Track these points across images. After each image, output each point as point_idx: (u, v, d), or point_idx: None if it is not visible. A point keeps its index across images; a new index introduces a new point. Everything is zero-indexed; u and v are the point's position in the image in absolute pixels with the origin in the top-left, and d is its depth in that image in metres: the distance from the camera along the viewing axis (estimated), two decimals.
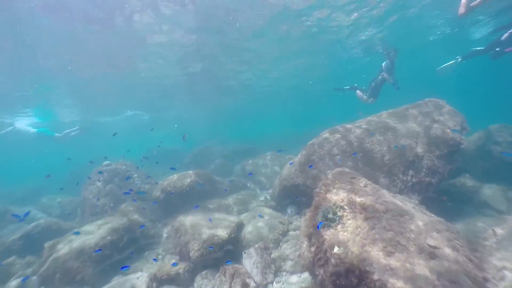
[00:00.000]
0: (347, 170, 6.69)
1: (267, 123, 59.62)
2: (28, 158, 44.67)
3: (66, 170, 20.44)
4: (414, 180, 8.06)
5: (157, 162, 10.83)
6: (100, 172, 10.78)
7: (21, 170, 34.69)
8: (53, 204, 13.65)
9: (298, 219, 9.17)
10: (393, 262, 4.06)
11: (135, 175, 11.39)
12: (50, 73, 15.16)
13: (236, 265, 5.73)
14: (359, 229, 4.57)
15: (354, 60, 21.35)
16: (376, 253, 4.16)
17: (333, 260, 4.21)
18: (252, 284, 5.33)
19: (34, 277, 7.85)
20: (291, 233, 8.22)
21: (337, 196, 5.32)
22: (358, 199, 5.15)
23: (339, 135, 9.56)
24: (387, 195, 5.64)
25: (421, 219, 4.79)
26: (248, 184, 13.10)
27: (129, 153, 12.58)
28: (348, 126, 9.87)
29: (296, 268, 6.53)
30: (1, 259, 8.63)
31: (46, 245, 8.54)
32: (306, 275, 6.26)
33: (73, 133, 18.04)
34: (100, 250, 7.47)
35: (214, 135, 27.80)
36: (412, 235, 4.47)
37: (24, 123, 20.41)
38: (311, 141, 10.11)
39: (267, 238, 7.65)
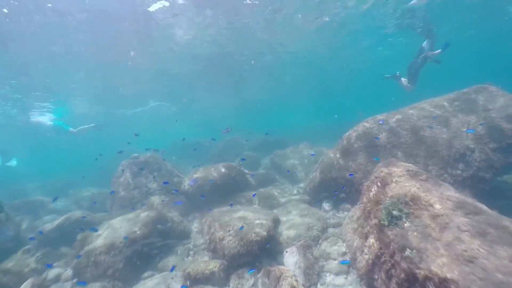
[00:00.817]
0: (401, 162, 5.96)
1: (293, 116, 58.50)
2: (61, 153, 46.72)
3: (96, 163, 20.91)
4: (465, 174, 7.17)
5: (178, 158, 10.49)
6: (132, 164, 10.55)
7: (55, 163, 36.12)
8: (84, 196, 13.78)
9: (336, 214, 8.50)
10: (479, 270, 3.33)
11: (164, 168, 11.11)
12: (72, 62, 15.33)
13: (282, 267, 5.17)
14: (429, 229, 3.86)
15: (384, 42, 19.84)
16: (455, 258, 3.44)
17: (404, 265, 3.54)
18: None
19: (68, 269, 7.79)
20: (330, 230, 7.60)
21: (399, 190, 4.64)
22: (422, 194, 4.43)
23: (380, 125, 8.75)
24: (451, 190, 4.87)
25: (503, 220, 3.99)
26: (278, 178, 12.51)
27: (154, 146, 12.42)
28: (390, 115, 9.02)
29: (341, 269, 5.90)
30: (38, 250, 8.66)
31: (78, 237, 8.47)
32: (353, 277, 5.64)
33: (87, 129, 18.10)
34: (130, 244, 7.20)
35: (241, 128, 27.33)
36: (497, 235, 3.70)
37: (41, 118, 20.83)
38: (348, 132, 9.37)
39: (305, 235, 7.06)
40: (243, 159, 11.96)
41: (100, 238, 7.53)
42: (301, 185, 11.78)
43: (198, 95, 30.13)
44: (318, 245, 6.93)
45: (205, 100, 33.19)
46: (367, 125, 8.99)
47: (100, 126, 17.98)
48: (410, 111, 8.65)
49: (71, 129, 18.18)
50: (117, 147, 11.68)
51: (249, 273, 5.70)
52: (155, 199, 9.34)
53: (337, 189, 8.72)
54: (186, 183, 9.85)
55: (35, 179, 19.79)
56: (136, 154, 11.36)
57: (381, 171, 5.42)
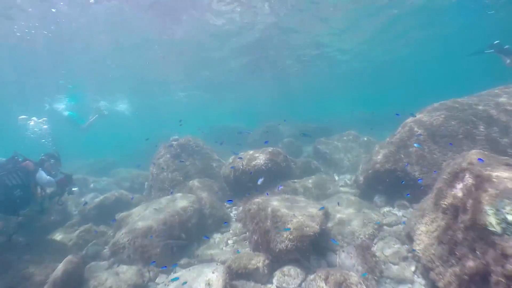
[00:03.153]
0: (489, 153, 4.80)
1: (339, 105, 56.23)
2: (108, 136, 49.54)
3: (138, 146, 21.42)
4: None
5: (221, 143, 9.94)
6: (170, 146, 10.23)
7: (100, 144, 38.23)
8: (125, 177, 13.94)
9: (392, 211, 7.41)
10: None
11: (203, 151, 10.67)
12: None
13: (346, 272, 4.34)
14: None
15: None
16: None
17: None
18: None
19: (106, 248, 7.68)
20: (386, 228, 6.58)
21: (506, 188, 3.51)
22: None
23: (449, 112, 7.42)
24: None
25: None
26: (321, 167, 11.51)
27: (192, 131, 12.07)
28: (464, 101, 7.61)
29: (405, 276, 4.93)
30: (80, 225, 8.71)
31: (117, 217, 8.35)
32: (419, 287, 4.64)
33: (93, 121, 17.82)
34: (168, 229, 6.81)
35: (281, 114, 26.46)
36: None
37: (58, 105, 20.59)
38: (407, 120, 8.16)
39: (360, 233, 6.13)
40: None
41: (137, 220, 7.24)
42: (348, 176, 10.73)
43: (240, 84, 29.79)
44: (374, 245, 5.99)
45: (247, 88, 32.81)
46: (435, 113, 7.72)
47: (103, 115, 17.57)
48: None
49: (82, 125, 17.89)
50: (159, 131, 11.56)
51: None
52: (194, 183, 8.91)
53: (394, 183, 7.60)
54: (227, 168, 9.28)
55: (81, 158, 20.67)
56: (176, 136, 11.05)
57: (470, 162, 4.34)
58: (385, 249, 5.73)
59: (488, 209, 3.49)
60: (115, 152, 22.91)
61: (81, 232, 8.15)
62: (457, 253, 3.80)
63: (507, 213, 3.26)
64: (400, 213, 7.25)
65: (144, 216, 7.36)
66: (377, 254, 5.54)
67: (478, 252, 3.44)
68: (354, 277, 4.10)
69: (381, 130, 14.09)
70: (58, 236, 8.17)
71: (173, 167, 10.00)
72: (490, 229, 3.30)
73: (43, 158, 7.38)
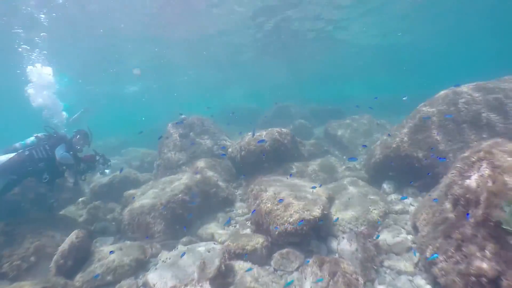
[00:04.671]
0: (509, 142, 4.41)
1: (353, 88, 54.58)
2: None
3: (148, 125, 21.63)
4: None
5: (228, 124, 9.73)
6: (180, 122, 10.14)
7: (113, 124, 38.96)
8: (135, 156, 14.14)
9: (399, 199, 7.13)
10: None
11: (211, 131, 10.58)
12: None
13: (340, 259, 4.22)
14: None
15: None
16: None
17: None
18: None
19: (113, 224, 7.89)
20: (393, 216, 6.34)
21: None
22: None
23: (470, 96, 6.86)
24: None
25: None
26: (331, 150, 11.23)
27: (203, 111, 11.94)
28: (489, 85, 6.99)
29: (406, 268, 4.74)
30: (91, 202, 8.93)
31: (125, 194, 8.51)
32: (420, 281, 4.45)
33: (79, 116, 17.36)
34: (171, 207, 6.86)
35: (293, 95, 25.94)
36: None
37: None
38: (424, 103, 7.67)
39: (363, 219, 5.92)
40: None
41: (142, 198, 7.34)
42: (358, 159, 10.41)
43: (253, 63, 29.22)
44: (378, 233, 5.78)
45: (262, 70, 32.23)
46: (453, 96, 7.18)
47: (87, 108, 17.24)
48: None
49: (69, 118, 17.34)
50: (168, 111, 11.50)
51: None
52: (200, 163, 8.88)
53: (405, 169, 7.28)
54: (235, 148, 9.17)
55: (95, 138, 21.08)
56: (184, 116, 10.96)
57: (488, 152, 3.99)
58: (389, 238, 5.50)
59: (505, 205, 3.19)
60: (128, 132, 23.21)
61: (90, 209, 8.36)
62: (464, 250, 3.55)
63: None
64: (408, 201, 6.99)
65: (149, 195, 7.44)
66: (380, 243, 5.35)
67: (488, 252, 3.19)
68: (349, 267, 3.96)
69: (398, 115, 13.51)
70: (69, 212, 8.45)
71: (180, 146, 9.99)
72: (505, 227, 3.02)
73: (74, 134, 7.51)
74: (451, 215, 4.35)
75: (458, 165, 4.91)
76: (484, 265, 3.14)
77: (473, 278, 3.20)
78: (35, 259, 5.88)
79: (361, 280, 3.84)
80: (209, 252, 4.66)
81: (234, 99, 43.82)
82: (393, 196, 7.27)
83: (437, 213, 4.77)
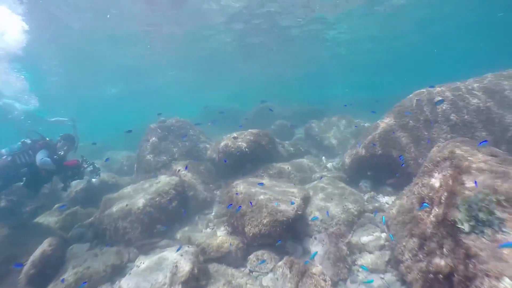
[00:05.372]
0: (475, 142, 4.58)
1: (337, 89, 55.31)
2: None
3: (131, 127, 21.24)
4: None
5: (209, 123, 9.73)
6: (157, 128, 10.02)
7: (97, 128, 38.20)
8: (115, 159, 13.89)
9: (376, 198, 7.33)
10: None
11: (191, 133, 10.53)
12: None
13: (309, 261, 4.31)
14: None
15: None
16: None
17: None
18: None
19: (90, 230, 7.73)
20: (367, 215, 6.47)
21: (488, 181, 3.32)
22: None
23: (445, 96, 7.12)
24: None
25: None
26: (312, 150, 11.39)
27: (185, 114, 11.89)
28: (461, 85, 7.26)
29: (378, 265, 4.88)
30: (69, 208, 8.73)
31: (103, 199, 8.36)
32: (391, 278, 4.59)
33: (61, 122, 16.75)
34: (148, 211, 6.80)
35: (275, 96, 26.09)
36: None
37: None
38: (400, 103, 7.90)
39: (338, 219, 6.04)
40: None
41: (120, 203, 7.24)
42: (337, 159, 10.62)
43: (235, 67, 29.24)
44: (352, 232, 5.92)
45: (244, 71, 32.27)
46: (428, 95, 7.43)
47: (74, 122, 16.53)
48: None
49: (48, 118, 15.52)
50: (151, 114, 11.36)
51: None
52: (179, 166, 8.84)
53: (380, 169, 7.48)
54: (213, 150, 9.18)
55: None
56: (163, 118, 10.87)
57: (451, 151, 4.12)
58: (363, 236, 5.64)
59: (461, 204, 3.28)
60: (109, 135, 22.79)
61: (67, 215, 8.17)
62: (425, 249, 3.68)
63: (479, 210, 3.06)
64: (384, 200, 7.18)
65: (126, 199, 7.35)
66: (353, 242, 5.47)
67: (445, 250, 3.29)
68: (317, 268, 4.06)
69: (379, 114, 13.83)
70: (44, 219, 8.20)
71: (160, 149, 9.90)
72: (459, 226, 3.12)
73: (58, 139, 7.36)
74: (417, 214, 4.50)
75: (425, 165, 5.09)
76: (442, 262, 3.27)
77: (431, 275, 3.33)
78: (5, 269, 5.71)
79: (329, 281, 3.93)
80: (181, 255, 4.66)
81: (216, 100, 43.70)
82: (369, 195, 7.45)
83: (406, 212, 4.93)
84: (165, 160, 9.59)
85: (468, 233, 3.04)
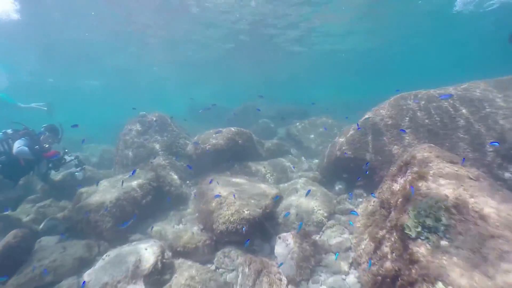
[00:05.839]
0: (439, 148, 4.74)
1: (323, 90, 55.72)
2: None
3: (112, 120, 21.00)
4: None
5: (185, 120, 9.72)
6: (137, 122, 9.91)
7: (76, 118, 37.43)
8: (94, 152, 13.69)
9: (348, 200, 7.48)
10: None
11: (171, 129, 10.48)
12: None
13: (266, 260, 4.42)
14: (477, 257, 2.74)
15: None
16: None
17: None
18: None
19: (62, 222, 7.65)
20: (337, 216, 6.60)
21: (439, 189, 3.44)
22: (471, 200, 3.20)
23: (416, 103, 7.34)
24: None
25: None
26: (292, 150, 11.54)
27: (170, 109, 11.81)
28: (432, 92, 7.48)
29: (341, 267, 4.98)
30: (41, 201, 8.61)
31: (77, 192, 8.27)
32: (353, 280, 4.68)
33: (36, 108, 16.45)
34: (121, 205, 6.79)
35: (263, 94, 26.18)
36: None
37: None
38: (375, 107, 8.11)
39: (308, 219, 6.16)
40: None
41: (93, 196, 7.19)
42: (316, 160, 10.79)
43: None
44: (321, 233, 6.02)
45: (231, 71, 32.26)
46: (401, 101, 7.64)
47: (51, 109, 16.20)
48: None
49: (20, 104, 15.05)
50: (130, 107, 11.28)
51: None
52: (157, 160, 8.81)
53: (353, 171, 7.66)
54: (192, 146, 9.20)
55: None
56: (143, 112, 10.78)
57: (413, 157, 4.26)
58: (331, 238, 5.71)
59: (411, 210, 3.38)
60: (91, 128, 22.38)
61: (40, 208, 8.06)
62: (378, 253, 3.79)
63: (427, 217, 3.17)
64: (356, 202, 7.34)
65: (100, 192, 7.30)
66: (320, 243, 5.56)
67: (394, 254, 3.40)
68: (273, 267, 4.18)
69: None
70: (16, 212, 8.06)
71: (138, 143, 9.83)
72: (406, 232, 3.23)
73: (42, 130, 7.21)
74: (377, 218, 4.64)
75: (391, 169, 5.26)
76: (390, 266, 3.38)
77: (379, 278, 3.44)
78: None
79: (284, 280, 4.04)
80: (146, 249, 4.70)
81: (202, 97, 43.50)
82: (342, 197, 7.60)
83: (369, 215, 5.09)
84: (144, 154, 9.53)
85: (414, 239, 3.15)
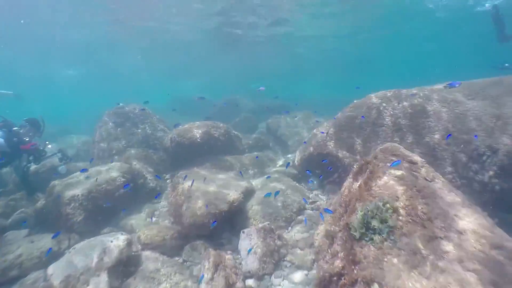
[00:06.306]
0: (402, 148, 4.79)
1: (308, 87, 55.97)
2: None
3: (91, 111, 20.54)
4: (477, 178, 5.81)
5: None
6: (114, 114, 9.80)
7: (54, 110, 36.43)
8: (72, 144, 13.43)
9: (320, 196, 7.66)
10: None
11: (149, 121, 10.41)
12: None
13: (223, 253, 4.55)
14: (418, 259, 2.81)
15: None
16: None
17: None
18: (239, 284, 4.13)
19: (32, 216, 7.55)
20: (308, 212, 6.72)
21: (390, 189, 3.48)
22: (420, 201, 3.27)
23: (389, 102, 7.48)
24: (467, 202, 3.54)
25: None
26: (271, 144, 11.68)
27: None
28: (404, 91, 7.63)
29: (305, 262, 5.11)
30: (12, 194, 8.45)
31: (51, 184, 8.15)
32: (315, 275, 4.85)
33: (3, 95, 16.16)
34: (93, 198, 6.77)
35: (246, 88, 26.03)
36: None
37: None
38: (351, 104, 8.23)
39: (277, 214, 6.26)
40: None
41: (66, 189, 7.11)
42: (293, 155, 10.95)
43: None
44: (290, 228, 6.14)
45: (215, 64, 31.85)
46: (375, 100, 7.77)
47: (19, 95, 15.89)
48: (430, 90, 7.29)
49: None
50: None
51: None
52: (130, 153, 8.76)
53: (327, 167, 7.84)
54: (168, 139, 9.18)
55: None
56: (121, 104, 10.64)
57: (374, 155, 4.34)
58: (297, 233, 5.80)
59: (360, 211, 3.39)
60: (68, 119, 21.87)
61: (10, 201, 7.92)
62: (330, 251, 3.82)
63: (372, 218, 3.18)
64: (326, 199, 7.49)
65: (72, 184, 7.23)
66: (287, 237, 5.68)
67: (342, 254, 3.42)
68: (230, 261, 4.32)
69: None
70: None
71: (115, 135, 9.75)
72: (352, 232, 3.26)
73: (22, 123, 7.14)
74: (336, 216, 4.75)
75: (356, 167, 5.36)
76: (338, 265, 3.38)
77: (327, 275, 3.45)
78: None
79: (240, 275, 4.18)
80: (112, 242, 4.75)
81: (186, 90, 42.95)
82: (315, 193, 7.76)
83: (334, 212, 5.22)
84: (120, 147, 9.47)
85: (358, 240, 3.20)
